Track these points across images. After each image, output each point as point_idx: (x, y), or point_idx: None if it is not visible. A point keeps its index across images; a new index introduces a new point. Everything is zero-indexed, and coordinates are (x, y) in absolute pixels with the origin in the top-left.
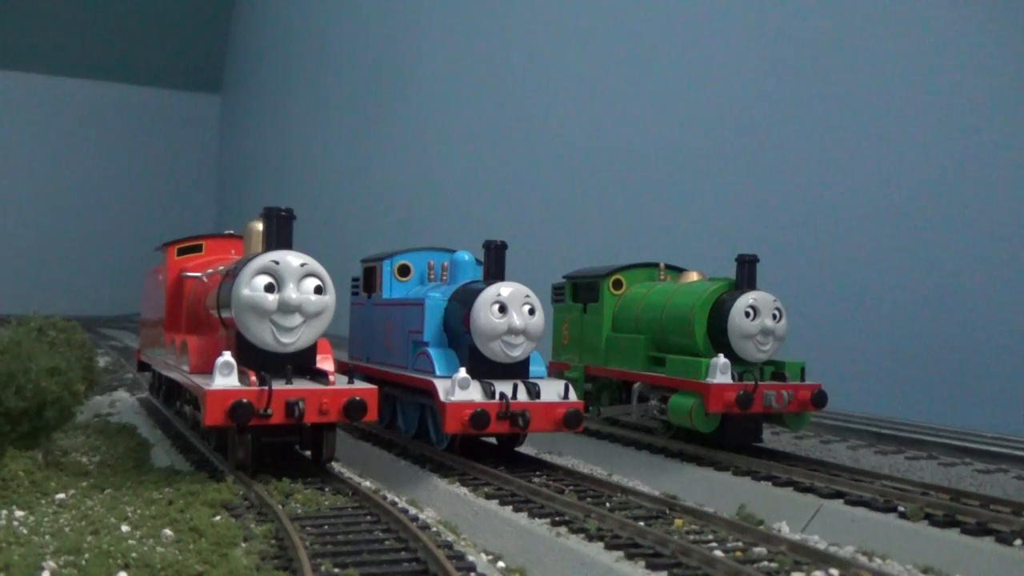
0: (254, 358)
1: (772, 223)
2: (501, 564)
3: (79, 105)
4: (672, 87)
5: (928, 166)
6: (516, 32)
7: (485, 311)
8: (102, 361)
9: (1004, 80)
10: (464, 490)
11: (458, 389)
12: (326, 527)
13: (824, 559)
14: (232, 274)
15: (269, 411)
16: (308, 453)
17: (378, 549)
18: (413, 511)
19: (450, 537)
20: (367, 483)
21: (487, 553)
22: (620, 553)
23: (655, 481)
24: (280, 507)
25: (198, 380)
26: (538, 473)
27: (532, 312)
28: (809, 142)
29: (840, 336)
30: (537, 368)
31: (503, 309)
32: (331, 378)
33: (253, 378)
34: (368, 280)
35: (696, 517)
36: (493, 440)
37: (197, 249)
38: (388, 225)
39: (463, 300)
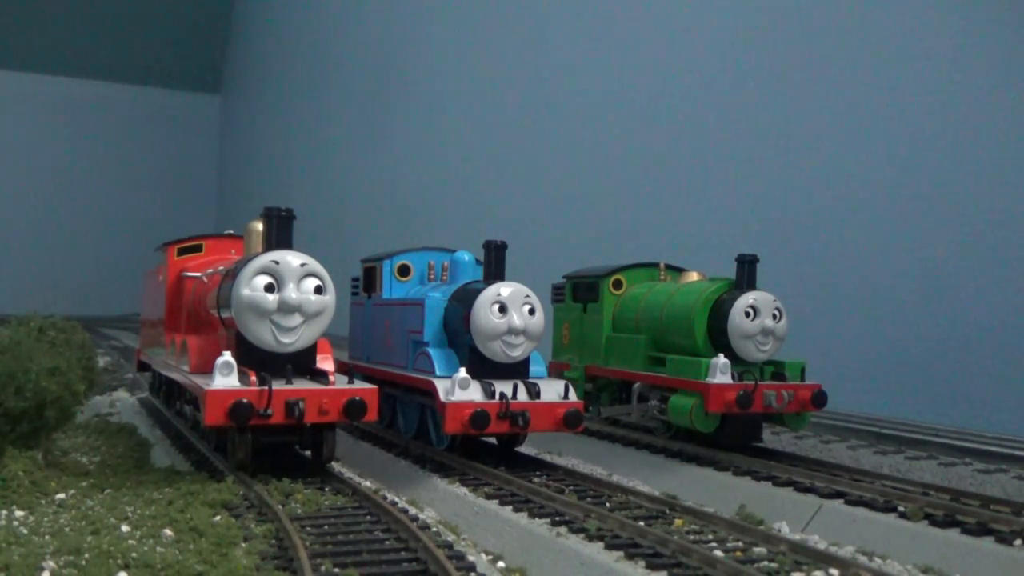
0: (254, 358)
1: (772, 223)
2: (501, 564)
3: (79, 105)
4: (673, 88)
5: (928, 166)
6: (517, 32)
7: (485, 311)
8: (102, 361)
9: (1004, 80)
10: (464, 490)
11: (458, 389)
12: (326, 527)
13: (824, 559)
14: (232, 274)
15: (269, 411)
16: (308, 453)
17: (378, 549)
18: (413, 511)
19: (450, 537)
20: (367, 483)
21: (487, 553)
22: (620, 553)
23: (655, 481)
24: (280, 507)
25: (198, 380)
26: (538, 473)
27: (532, 312)
28: (809, 142)
29: (840, 336)
30: (537, 368)
31: (503, 309)
32: (331, 378)
33: (253, 378)
34: (368, 280)
35: (696, 517)
36: (493, 440)
37: (197, 249)
38: (388, 225)
39: (463, 300)
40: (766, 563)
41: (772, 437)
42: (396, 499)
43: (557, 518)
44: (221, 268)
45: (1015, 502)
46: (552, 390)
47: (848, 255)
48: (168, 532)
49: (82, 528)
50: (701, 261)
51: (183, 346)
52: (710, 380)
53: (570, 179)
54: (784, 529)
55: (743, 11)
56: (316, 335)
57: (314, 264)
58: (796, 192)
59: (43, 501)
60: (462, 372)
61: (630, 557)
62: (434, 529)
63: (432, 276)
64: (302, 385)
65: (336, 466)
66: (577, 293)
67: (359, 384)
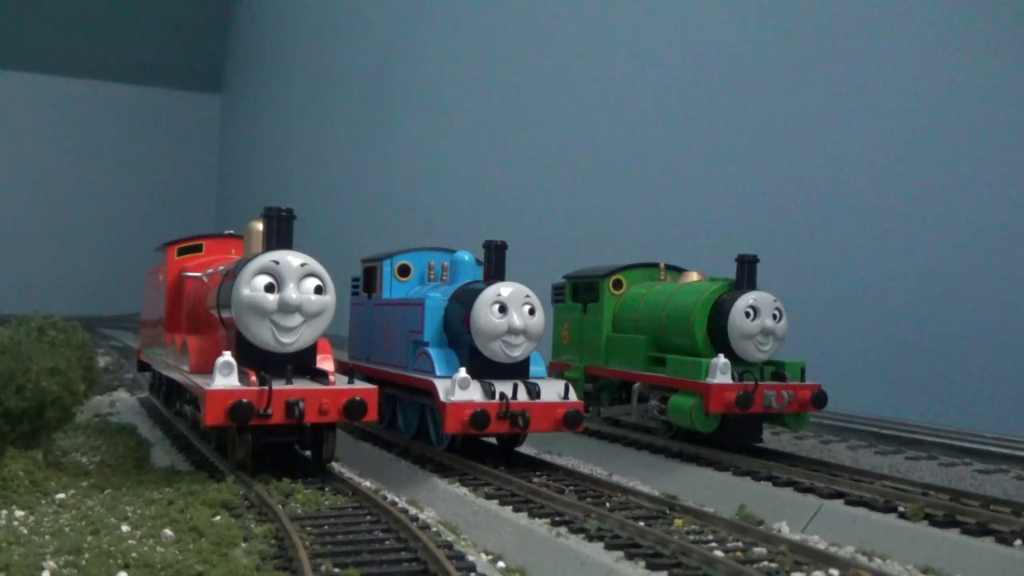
0: (254, 358)
1: (772, 223)
2: (501, 564)
3: (79, 105)
4: (672, 87)
5: (928, 166)
6: (517, 32)
7: (485, 311)
8: (102, 361)
9: (1003, 80)
10: (464, 490)
11: (458, 389)
12: (326, 527)
13: (824, 559)
14: (232, 274)
15: (269, 411)
16: (308, 453)
17: (378, 549)
18: (413, 511)
19: (450, 537)
20: (367, 483)
21: (487, 553)
22: (620, 553)
23: (655, 481)
24: (280, 507)
25: (198, 380)
26: (538, 473)
27: (532, 312)
28: (809, 142)
29: (840, 336)
30: (537, 368)
31: (503, 309)
32: (331, 378)
33: (253, 378)
34: (368, 280)
35: (696, 517)
36: (493, 440)
37: (197, 249)
38: (388, 225)
39: (463, 300)
40: (766, 563)
41: (772, 437)
42: (396, 499)
43: (557, 518)
44: (221, 268)
45: (1015, 502)
46: (552, 390)
47: (848, 255)
48: (168, 532)
49: (82, 528)
50: (701, 261)
51: (183, 346)
52: (710, 380)
53: (570, 179)
54: (784, 529)
55: (743, 12)
56: (316, 335)
57: (314, 264)
58: (796, 192)
59: (43, 501)
60: (462, 372)
61: (630, 557)
62: (434, 529)
63: (432, 276)
64: (302, 385)
65: (336, 466)
66: (577, 293)
67: (359, 384)
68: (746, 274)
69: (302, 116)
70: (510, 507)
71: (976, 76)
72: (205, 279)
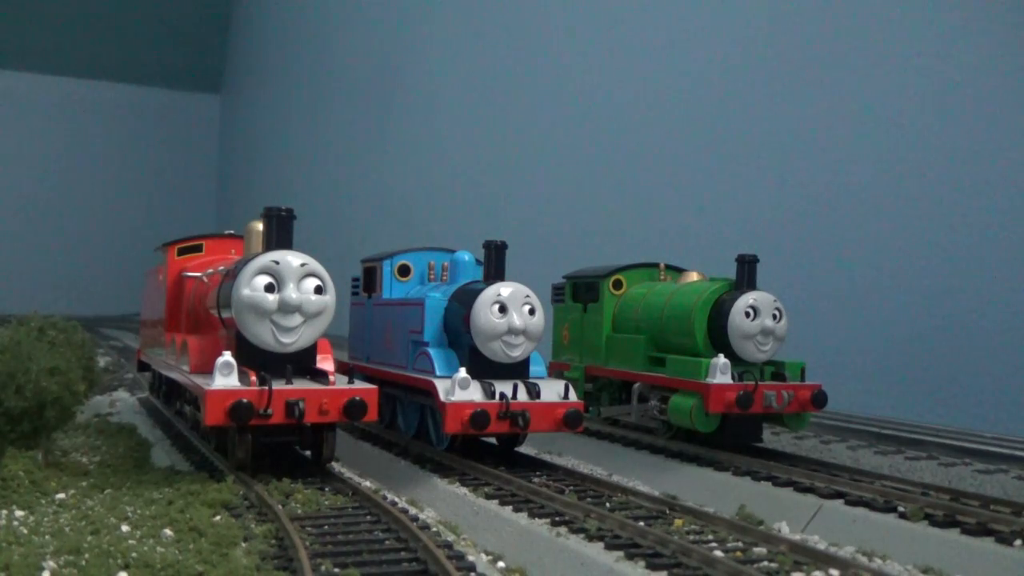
0: (254, 358)
1: (772, 223)
2: (501, 564)
3: (79, 105)
4: (672, 87)
5: (928, 165)
6: (517, 32)
7: (485, 311)
8: (102, 361)
9: (1004, 80)
10: (464, 490)
11: (458, 389)
12: (326, 527)
13: (824, 559)
14: (232, 274)
15: (269, 411)
16: (308, 453)
17: (378, 549)
18: (413, 511)
19: (450, 537)
20: (367, 483)
21: (487, 553)
22: (620, 553)
23: (655, 481)
24: (280, 507)
25: (198, 380)
26: (538, 473)
27: (532, 312)
28: (809, 142)
29: (840, 336)
30: (537, 368)
31: (503, 309)
32: (331, 378)
33: (253, 378)
34: (368, 280)
35: (696, 517)
36: (493, 440)
37: (197, 249)
38: (388, 225)
39: (463, 300)
40: (766, 563)
41: (772, 437)
42: (396, 499)
43: (557, 518)
44: (221, 268)
45: (1015, 502)
46: (552, 390)
47: (848, 255)
48: (168, 532)
49: (82, 528)
50: (701, 261)
51: (183, 346)
52: (710, 380)
53: (570, 179)
54: (784, 529)
55: (742, 13)
56: (316, 335)
57: (314, 264)
58: (796, 192)
59: (43, 501)
60: (462, 372)
61: (630, 557)
62: (434, 529)
63: (432, 276)
64: (302, 385)
65: (336, 466)
66: (577, 293)
67: (359, 384)
68: (746, 274)
69: (302, 116)
70: (510, 507)
71: (976, 76)
72: (205, 279)
